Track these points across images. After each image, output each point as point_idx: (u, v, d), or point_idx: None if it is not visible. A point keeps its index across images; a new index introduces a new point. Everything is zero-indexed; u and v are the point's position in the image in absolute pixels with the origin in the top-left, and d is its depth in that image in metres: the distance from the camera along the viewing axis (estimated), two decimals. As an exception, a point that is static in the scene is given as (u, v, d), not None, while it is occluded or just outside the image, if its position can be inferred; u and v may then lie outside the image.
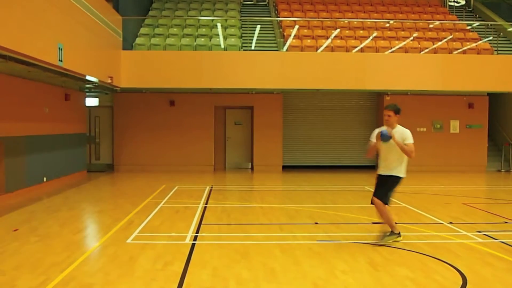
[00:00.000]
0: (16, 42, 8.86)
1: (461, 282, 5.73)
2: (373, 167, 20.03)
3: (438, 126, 19.67)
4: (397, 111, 7.30)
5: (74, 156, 16.04)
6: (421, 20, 21.49)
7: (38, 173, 13.16)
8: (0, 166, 11.27)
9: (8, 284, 5.59)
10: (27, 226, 8.74)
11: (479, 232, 8.34)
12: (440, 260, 6.60)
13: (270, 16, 22.09)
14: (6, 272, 6.01)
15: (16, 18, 8.91)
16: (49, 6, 10.41)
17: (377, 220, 9.44)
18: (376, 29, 19.70)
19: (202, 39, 18.24)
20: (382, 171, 7.39)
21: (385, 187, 7.33)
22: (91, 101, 18.69)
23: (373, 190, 7.48)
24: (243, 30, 19.58)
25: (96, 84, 15.03)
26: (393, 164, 7.32)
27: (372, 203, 7.43)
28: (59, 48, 10.74)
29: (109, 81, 14.80)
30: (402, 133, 7.29)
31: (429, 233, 8.33)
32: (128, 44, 17.42)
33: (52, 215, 9.79)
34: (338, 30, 19.02)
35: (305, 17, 20.93)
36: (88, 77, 13.26)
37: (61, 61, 10.85)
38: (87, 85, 15.71)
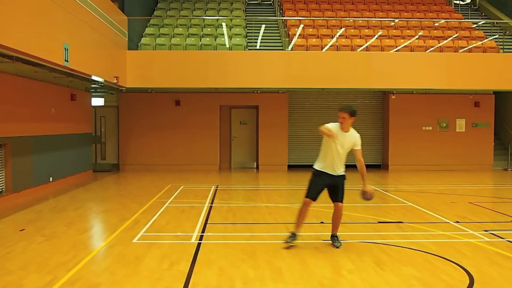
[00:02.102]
0: (22, 42, 8.90)
1: (468, 282, 5.71)
2: (378, 166, 20.03)
3: (444, 125, 19.60)
4: (352, 113, 7.11)
5: (80, 156, 16.09)
6: (426, 18, 21.43)
7: (45, 173, 13.21)
8: (7, 166, 11.33)
9: (15, 283, 5.62)
10: (34, 225, 8.77)
11: (486, 231, 8.31)
12: (446, 260, 6.58)
13: (275, 16, 22.08)
14: (13, 272, 6.04)
15: (22, 19, 8.94)
16: (55, 7, 10.44)
17: (383, 219, 9.44)
18: (381, 28, 19.66)
19: (207, 39, 18.25)
20: (337, 171, 7.23)
21: (343, 189, 7.33)
22: (97, 101, 18.74)
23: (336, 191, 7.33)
24: (248, 29, 19.58)
25: (102, 84, 15.08)
26: (343, 163, 7.30)
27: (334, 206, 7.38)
28: (65, 48, 10.78)
29: (115, 81, 14.84)
30: (355, 138, 7.25)
31: (435, 232, 8.31)
32: (133, 44, 17.45)
33: (58, 215, 9.83)
34: (343, 29, 19.00)
35: (310, 16, 20.90)
36: (93, 77, 13.30)
37: (67, 61, 10.88)
38: (93, 85, 15.76)
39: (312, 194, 7.26)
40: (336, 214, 7.35)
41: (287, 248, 7.12)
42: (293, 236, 7.28)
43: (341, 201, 7.30)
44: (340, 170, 7.25)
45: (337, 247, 7.16)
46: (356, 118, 7.21)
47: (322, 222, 9.09)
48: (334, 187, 7.29)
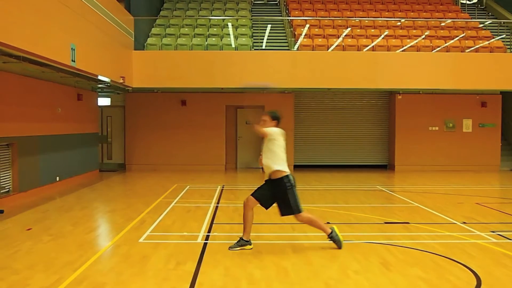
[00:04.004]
0: (30, 42, 8.94)
1: (475, 283, 5.68)
2: (384, 167, 19.98)
3: (451, 125, 19.53)
4: (273, 117, 7.13)
5: (87, 156, 16.14)
6: (433, 18, 21.36)
7: (51, 173, 13.25)
8: (14, 165, 11.38)
9: (22, 283, 5.63)
10: (40, 225, 8.81)
11: (493, 232, 8.27)
12: (453, 260, 6.55)
13: (281, 16, 22.06)
14: (19, 271, 6.06)
15: (29, 19, 8.98)
16: (61, 7, 10.48)
17: (389, 220, 9.42)
18: (388, 28, 19.60)
19: (213, 39, 18.27)
20: (269, 175, 7.02)
21: (288, 197, 6.93)
22: (103, 101, 18.79)
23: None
24: (254, 29, 19.58)
25: (108, 84, 15.12)
26: (273, 166, 6.94)
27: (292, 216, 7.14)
28: (71, 48, 10.81)
29: (121, 81, 14.87)
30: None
31: (442, 233, 8.27)
32: (139, 44, 17.49)
33: (65, 215, 9.86)
34: (349, 29, 18.96)
35: (316, 16, 20.87)
36: (100, 77, 13.33)
37: (74, 61, 10.92)
38: (99, 85, 15.80)
39: (255, 192, 7.09)
40: (309, 223, 7.13)
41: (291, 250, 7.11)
42: (241, 241, 7.08)
43: (297, 212, 6.97)
44: (271, 174, 7.01)
45: (339, 244, 7.03)
46: (277, 122, 7.16)
47: (328, 223, 9.06)
48: (278, 198, 7.03)
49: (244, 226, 7.13)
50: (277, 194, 7.00)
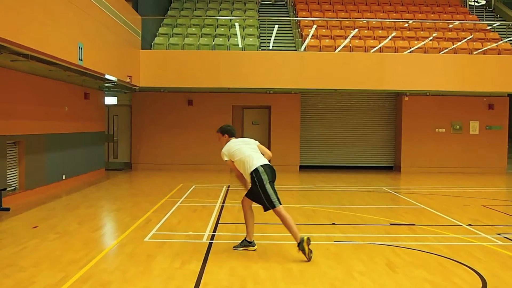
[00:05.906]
0: (37, 41, 8.97)
1: (480, 285, 5.66)
2: (390, 168, 19.92)
3: (458, 127, 19.45)
4: (222, 132, 7.26)
5: (93, 154, 16.19)
6: (440, 20, 21.28)
7: (58, 171, 13.31)
8: (21, 163, 11.43)
9: (28, 280, 5.66)
10: (47, 223, 8.84)
11: (499, 234, 8.23)
12: (459, 263, 6.53)
13: (288, 16, 22.06)
14: (25, 269, 6.09)
15: (37, 18, 9.01)
16: (69, 6, 10.51)
17: (395, 221, 9.39)
18: (395, 29, 19.56)
19: (220, 39, 18.28)
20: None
21: (258, 192, 6.86)
22: (110, 100, 18.85)
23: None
24: (261, 30, 19.58)
25: (115, 83, 15.16)
26: (244, 172, 7.00)
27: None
28: (79, 47, 10.85)
29: (128, 80, 14.91)
30: None
31: (448, 235, 8.24)
32: (147, 43, 17.53)
33: (71, 213, 9.90)
34: (356, 30, 18.93)
35: (324, 17, 20.85)
36: (107, 76, 13.38)
37: (81, 60, 10.95)
38: (106, 84, 15.85)
39: (247, 191, 7.11)
40: (280, 220, 6.89)
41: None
42: (244, 241, 7.07)
43: (270, 207, 6.85)
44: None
45: (306, 257, 6.51)
46: (230, 135, 7.23)
47: (333, 224, 9.07)
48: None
49: (246, 226, 7.15)
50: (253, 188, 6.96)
